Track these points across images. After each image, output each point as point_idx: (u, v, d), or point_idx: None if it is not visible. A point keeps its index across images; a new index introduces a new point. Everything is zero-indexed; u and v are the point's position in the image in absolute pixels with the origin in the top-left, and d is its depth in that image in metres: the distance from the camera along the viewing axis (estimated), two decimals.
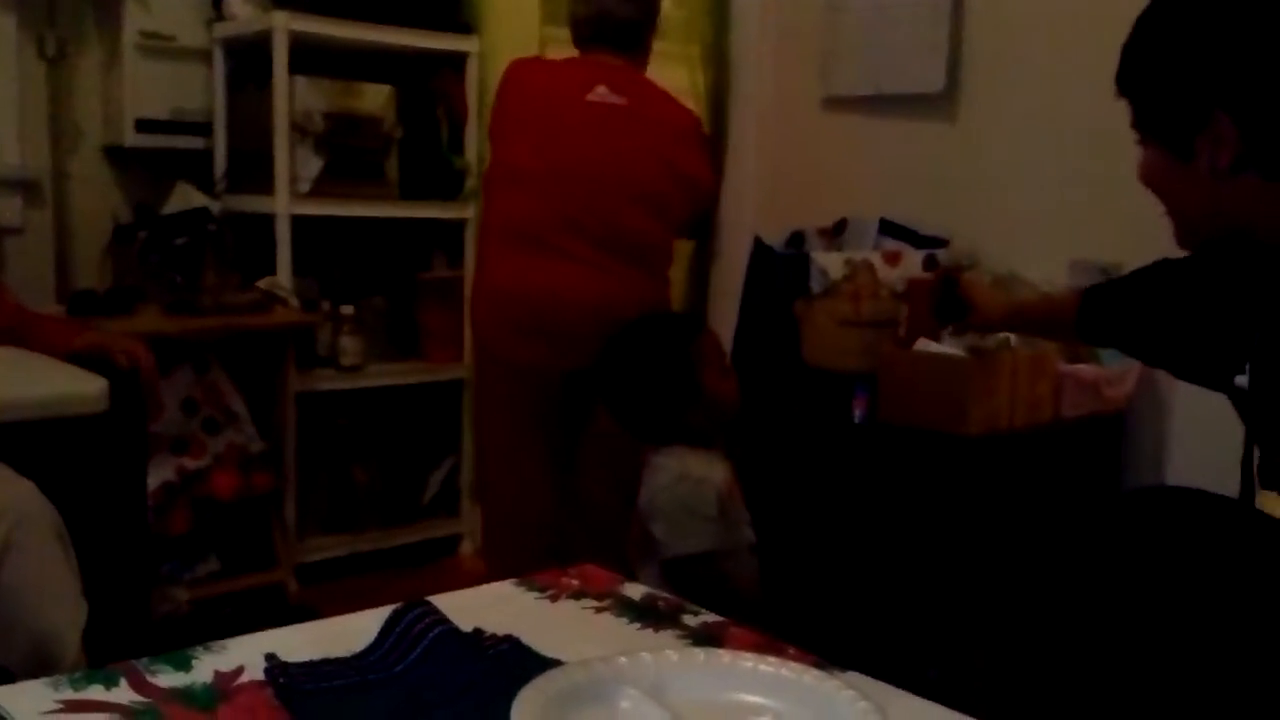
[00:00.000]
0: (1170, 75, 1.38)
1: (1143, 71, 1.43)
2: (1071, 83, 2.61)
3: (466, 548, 3.81)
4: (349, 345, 3.48)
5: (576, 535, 2.65)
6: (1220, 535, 1.41)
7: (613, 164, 2.58)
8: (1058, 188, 2.65)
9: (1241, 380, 1.44)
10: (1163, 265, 1.72)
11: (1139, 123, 1.44)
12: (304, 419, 3.39)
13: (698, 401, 2.04)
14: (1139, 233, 2.51)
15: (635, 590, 1.33)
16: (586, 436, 2.67)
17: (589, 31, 2.71)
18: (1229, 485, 2.24)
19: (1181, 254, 1.65)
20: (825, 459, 2.43)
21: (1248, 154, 1.32)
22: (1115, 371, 2.43)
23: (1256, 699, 1.30)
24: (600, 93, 2.62)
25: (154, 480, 2.98)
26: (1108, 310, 1.81)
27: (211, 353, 3.23)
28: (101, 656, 2.50)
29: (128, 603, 2.62)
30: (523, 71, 2.76)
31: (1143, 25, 1.43)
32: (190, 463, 3.16)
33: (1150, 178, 1.46)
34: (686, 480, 2.01)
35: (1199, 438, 2.43)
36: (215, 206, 3.36)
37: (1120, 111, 2.59)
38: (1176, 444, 2.48)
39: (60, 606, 2.03)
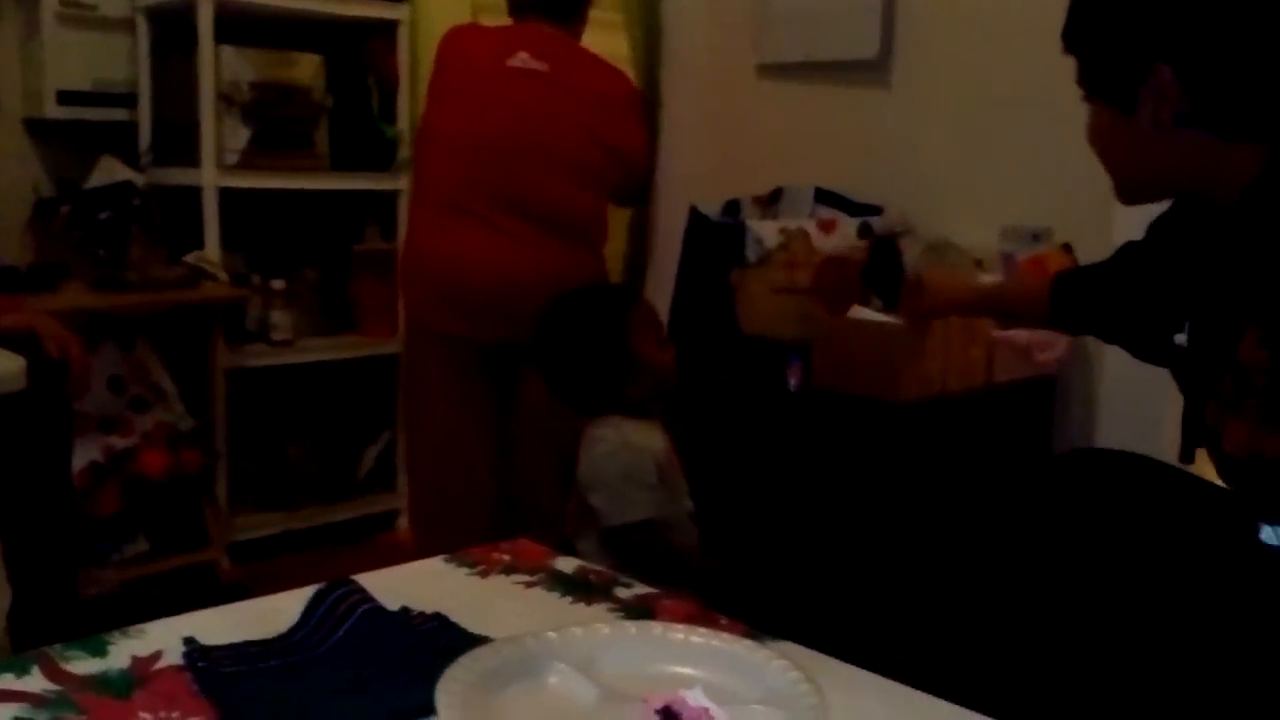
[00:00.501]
0: (1112, 28, 1.38)
1: (1086, 25, 1.42)
2: (1004, 49, 2.62)
3: (404, 523, 3.77)
4: (280, 320, 3.43)
5: (514, 510, 2.64)
6: (1149, 495, 1.42)
7: (530, 131, 2.55)
8: (989, 154, 2.66)
9: (1181, 339, 1.44)
10: (1125, 248, 1.72)
11: (1084, 78, 1.43)
12: (235, 395, 3.34)
13: (634, 372, 2.02)
14: (1069, 198, 2.56)
15: (568, 564, 1.32)
16: (520, 411, 2.66)
17: None
18: (1156, 446, 2.28)
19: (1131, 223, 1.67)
20: (762, 426, 2.43)
21: (1190, 108, 1.32)
22: (1046, 336, 2.45)
23: (1182, 650, 1.31)
24: (521, 59, 2.59)
25: (80, 460, 2.92)
26: (1081, 298, 1.80)
27: (138, 329, 3.17)
28: (27, 641, 2.46)
29: (54, 586, 2.57)
30: (455, 37, 2.73)
31: None
32: (118, 442, 3.09)
33: (1095, 135, 1.45)
34: (625, 450, 1.99)
35: (1128, 401, 2.47)
36: (140, 180, 3.28)
37: (1052, 77, 2.60)
38: (1106, 407, 2.51)
39: None
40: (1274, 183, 1.30)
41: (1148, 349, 1.65)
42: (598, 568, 1.31)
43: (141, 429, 3.14)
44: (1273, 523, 1.27)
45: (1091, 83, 1.42)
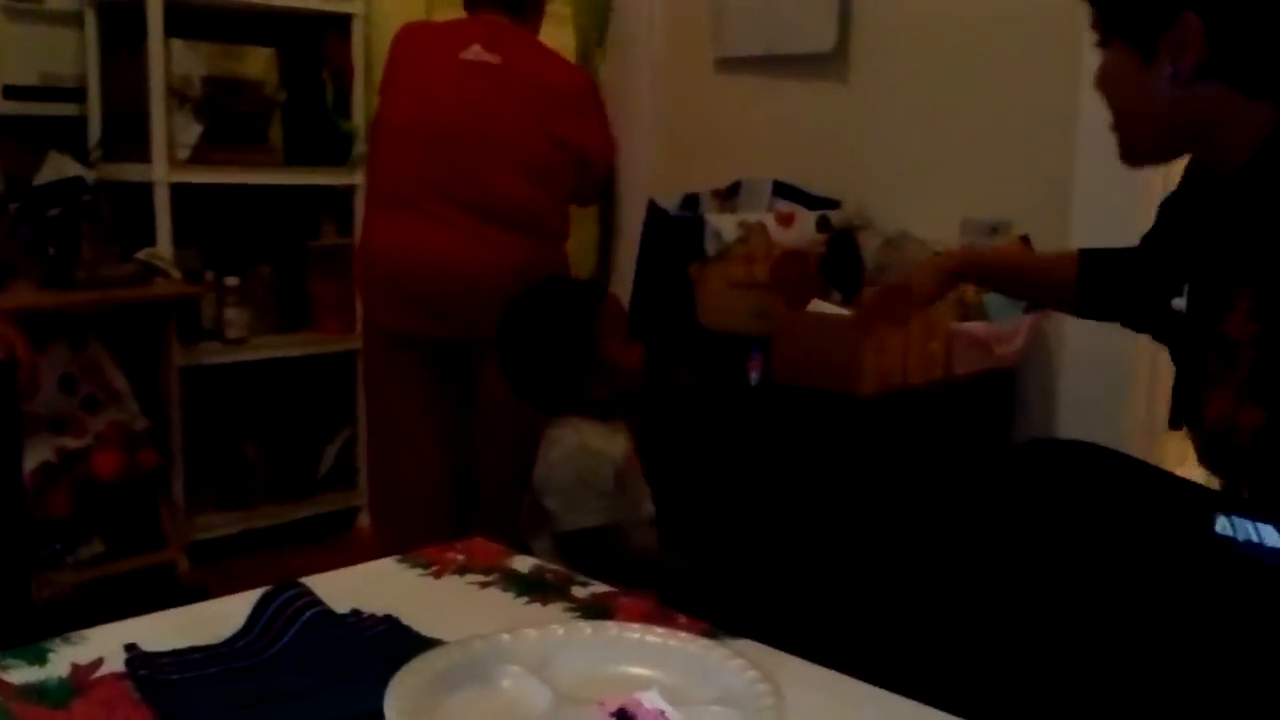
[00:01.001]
0: None
1: None
2: (961, 40, 2.62)
3: (364, 521, 3.74)
4: (234, 317, 3.38)
5: (472, 507, 2.61)
6: (1106, 485, 1.42)
7: (481, 123, 2.52)
8: (948, 146, 2.66)
9: (1179, 303, 1.43)
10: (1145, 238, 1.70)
11: (1104, 21, 1.41)
12: (190, 394, 3.29)
13: (598, 372, 1.97)
14: (1028, 190, 2.56)
15: (523, 563, 1.30)
16: (478, 407, 2.63)
17: None
18: (1115, 436, 2.28)
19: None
20: (722, 421, 2.41)
21: (1212, 59, 1.29)
22: (1006, 329, 2.45)
23: (1138, 642, 1.31)
24: (474, 51, 2.55)
25: (32, 461, 2.87)
26: (1106, 283, 1.75)
27: (89, 328, 3.11)
28: None
29: (6, 589, 2.52)
30: (408, 34, 2.71)
31: None
32: (71, 442, 3.04)
33: (1106, 80, 1.42)
34: (582, 454, 1.94)
35: (1087, 392, 2.47)
36: (90, 176, 3.22)
37: (1009, 68, 2.61)
38: (1065, 398, 2.51)
39: None
40: None
41: (1147, 317, 1.62)
42: (554, 567, 1.29)
43: (94, 429, 3.09)
44: (1227, 513, 1.27)
45: (1112, 26, 1.40)
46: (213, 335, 3.39)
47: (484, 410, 2.61)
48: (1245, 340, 1.26)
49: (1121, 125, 1.43)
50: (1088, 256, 1.78)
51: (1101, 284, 1.75)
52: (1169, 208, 1.63)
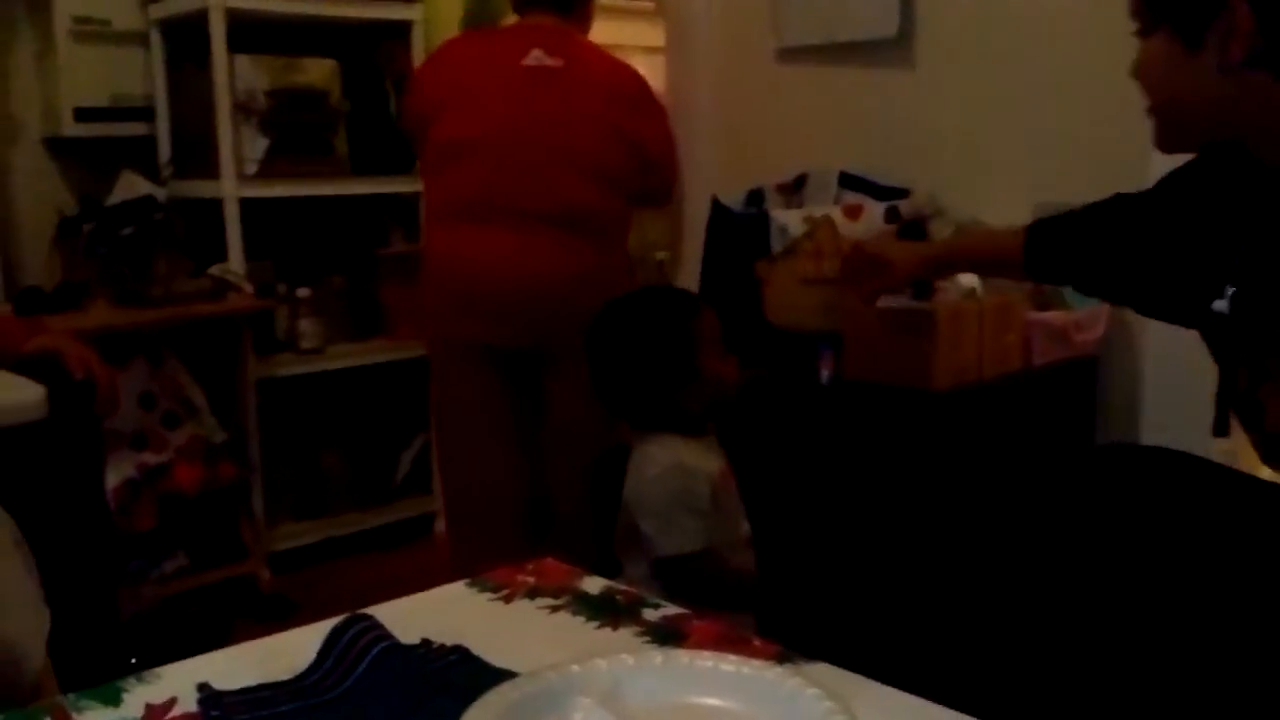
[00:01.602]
0: None
1: None
2: (1027, 21, 2.56)
3: (441, 526, 3.76)
4: (308, 328, 3.42)
5: (542, 516, 2.61)
6: (1187, 496, 1.36)
7: (548, 128, 2.49)
8: (1018, 129, 2.59)
9: (1220, 305, 1.38)
10: (1120, 199, 1.67)
11: (1148, 9, 1.36)
12: (266, 406, 3.33)
13: (694, 385, 1.90)
14: (1104, 172, 2.48)
15: (594, 584, 1.28)
16: (549, 417, 2.61)
17: None
18: (1203, 423, 2.21)
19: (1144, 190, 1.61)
20: (794, 421, 2.38)
21: (1262, 49, 1.25)
22: (1085, 316, 2.39)
23: (1212, 657, 1.26)
24: (536, 56, 2.53)
25: (115, 478, 2.93)
26: (1060, 247, 1.75)
27: (166, 344, 3.16)
28: (69, 662, 2.46)
29: (94, 606, 2.57)
30: (453, 48, 2.70)
31: None
32: (151, 458, 3.09)
33: (1147, 69, 1.38)
34: (677, 472, 1.85)
35: (1172, 379, 2.40)
36: (161, 193, 3.27)
37: (1078, 47, 2.53)
38: (1150, 386, 2.44)
39: (20, 615, 1.98)
40: None
41: (1173, 311, 1.57)
42: (623, 588, 1.27)
43: (174, 444, 3.14)
44: None
45: (1158, 14, 1.35)
46: (287, 346, 3.43)
47: (554, 421, 2.59)
48: None
49: (1161, 113, 1.39)
50: (1036, 224, 1.81)
51: (1054, 247, 1.76)
52: (1176, 186, 1.56)
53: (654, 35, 3.62)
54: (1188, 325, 1.54)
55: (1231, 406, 1.43)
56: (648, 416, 1.92)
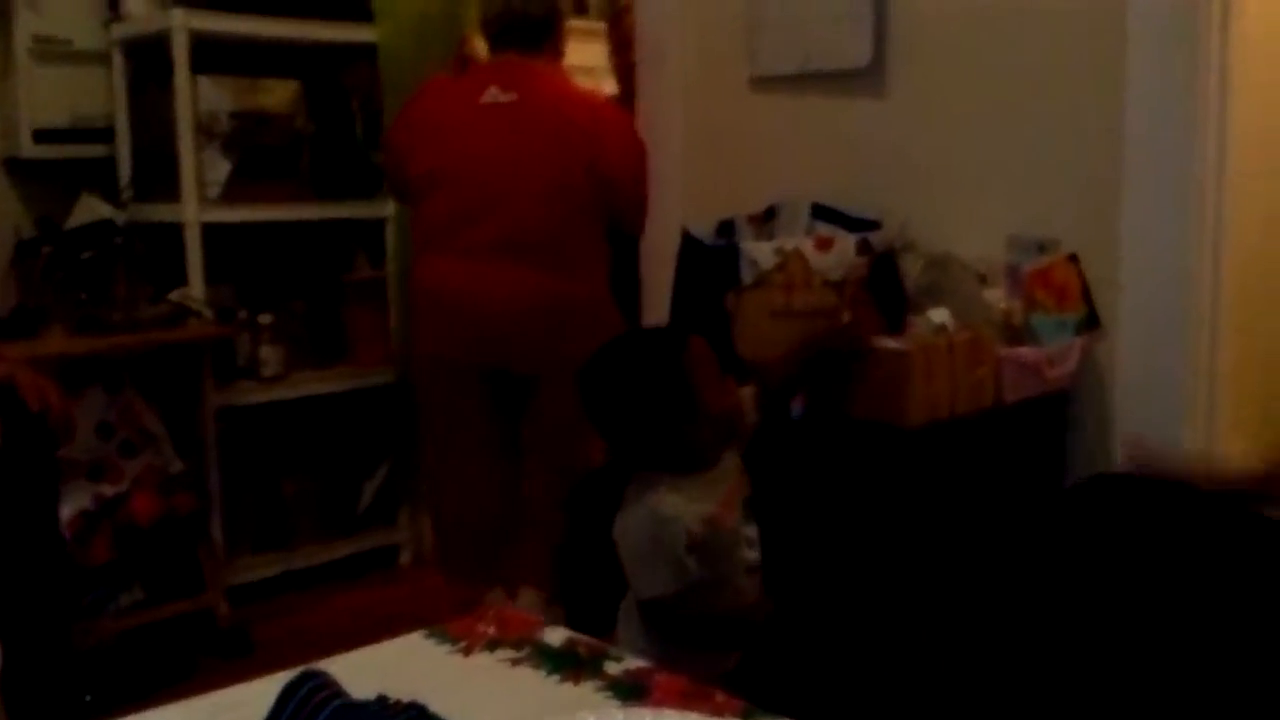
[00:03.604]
0: None
1: None
2: (1001, 53, 2.54)
3: (405, 557, 3.70)
4: (269, 355, 3.36)
5: (516, 522, 2.69)
6: (1176, 526, 1.35)
7: (501, 162, 2.60)
8: (991, 162, 2.57)
9: None
10: None
11: None
12: (226, 435, 3.27)
13: (697, 418, 1.83)
14: (1075, 205, 2.48)
15: (555, 635, 1.24)
16: (527, 427, 2.69)
17: (496, 28, 2.73)
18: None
19: None
20: (762, 456, 2.34)
21: None
22: (1056, 351, 2.37)
23: (1190, 677, 1.24)
24: (491, 94, 2.66)
25: (70, 509, 2.85)
26: None
27: (124, 371, 3.10)
28: (22, 698, 2.40)
29: (49, 640, 2.51)
30: (426, 92, 2.80)
31: None
32: (108, 489, 3.02)
33: None
34: (649, 522, 1.79)
35: (1143, 413, 2.39)
36: (121, 217, 3.21)
37: (1051, 80, 2.52)
38: (1121, 421, 2.42)
39: None
40: None
41: None
42: (587, 639, 1.23)
43: (131, 474, 3.06)
44: None
45: None
46: (248, 373, 3.36)
47: (529, 437, 2.69)
48: None
49: None
50: None
51: None
52: None
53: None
54: None
55: None
56: (654, 458, 1.86)
